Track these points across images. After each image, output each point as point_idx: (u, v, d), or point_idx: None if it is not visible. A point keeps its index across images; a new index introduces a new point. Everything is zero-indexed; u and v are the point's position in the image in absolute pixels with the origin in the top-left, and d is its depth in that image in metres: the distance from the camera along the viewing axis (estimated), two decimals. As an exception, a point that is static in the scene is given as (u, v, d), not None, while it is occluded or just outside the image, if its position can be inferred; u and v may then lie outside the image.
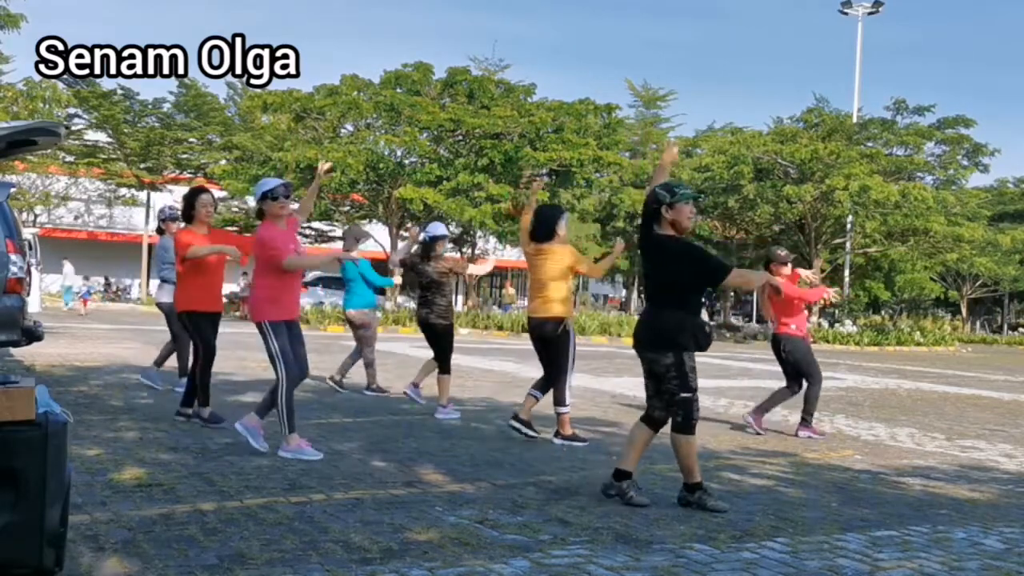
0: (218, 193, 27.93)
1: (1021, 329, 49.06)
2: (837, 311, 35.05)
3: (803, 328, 8.12)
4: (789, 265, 8.31)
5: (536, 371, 7.51)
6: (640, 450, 5.06)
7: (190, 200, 7.08)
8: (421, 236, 8.53)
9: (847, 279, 37.83)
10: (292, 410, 5.89)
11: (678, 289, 4.97)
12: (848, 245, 36.11)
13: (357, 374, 9.83)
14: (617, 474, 5.02)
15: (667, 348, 4.90)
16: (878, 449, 7.48)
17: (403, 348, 17.22)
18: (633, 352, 5.28)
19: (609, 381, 12.67)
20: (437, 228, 8.43)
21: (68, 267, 28.08)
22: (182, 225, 7.30)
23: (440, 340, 8.17)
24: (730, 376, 14.42)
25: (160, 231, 9.13)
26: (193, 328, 7.06)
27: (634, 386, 12.11)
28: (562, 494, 5.15)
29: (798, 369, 8.07)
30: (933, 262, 40.18)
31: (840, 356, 23.47)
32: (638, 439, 5.07)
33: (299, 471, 5.40)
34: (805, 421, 8.05)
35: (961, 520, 5.00)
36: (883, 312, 46.27)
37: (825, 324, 32.40)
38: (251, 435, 5.93)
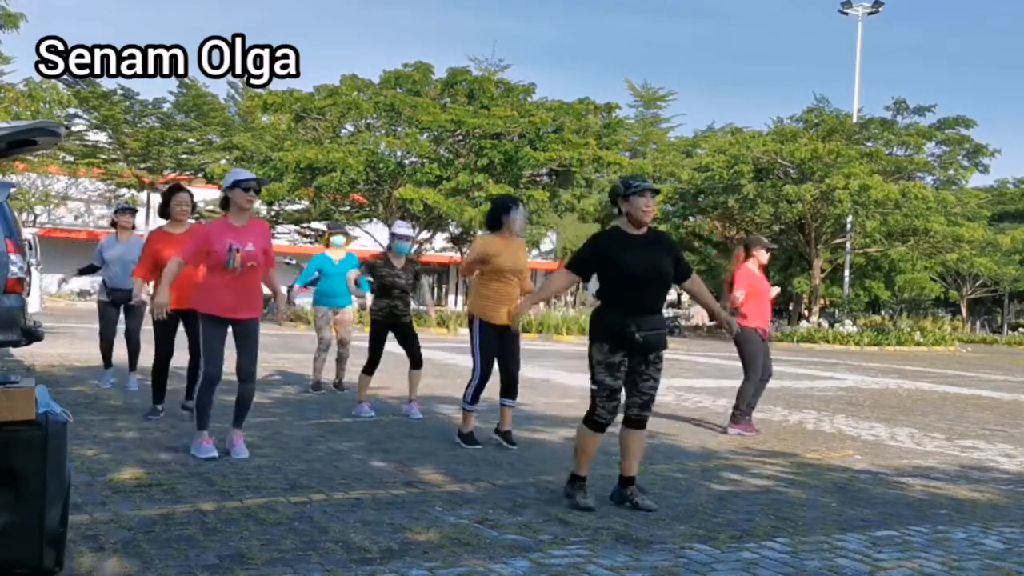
0: (218, 193, 28.00)
1: (1021, 329, 49.01)
2: (837, 311, 35.06)
3: (756, 321, 8.02)
4: (765, 252, 8.27)
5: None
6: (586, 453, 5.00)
7: (166, 198, 7.17)
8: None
9: (847, 279, 37.83)
10: (204, 407, 5.75)
11: (600, 282, 4.96)
12: (848, 245, 36.11)
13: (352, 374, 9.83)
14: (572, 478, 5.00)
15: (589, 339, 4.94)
16: (878, 449, 7.48)
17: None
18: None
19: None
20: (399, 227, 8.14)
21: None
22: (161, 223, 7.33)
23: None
24: (729, 376, 14.41)
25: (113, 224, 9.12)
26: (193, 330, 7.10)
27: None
28: (562, 494, 5.15)
29: (741, 359, 8.05)
30: (933, 262, 40.20)
31: (840, 356, 23.48)
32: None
33: (299, 471, 5.41)
34: (734, 416, 7.98)
35: (961, 520, 5.00)
36: (883, 312, 46.26)
37: (825, 324, 32.40)
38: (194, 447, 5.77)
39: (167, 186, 8.62)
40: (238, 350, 5.85)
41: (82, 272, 9.17)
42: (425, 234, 32.29)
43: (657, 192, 4.96)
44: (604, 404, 4.86)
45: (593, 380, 4.89)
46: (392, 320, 7.89)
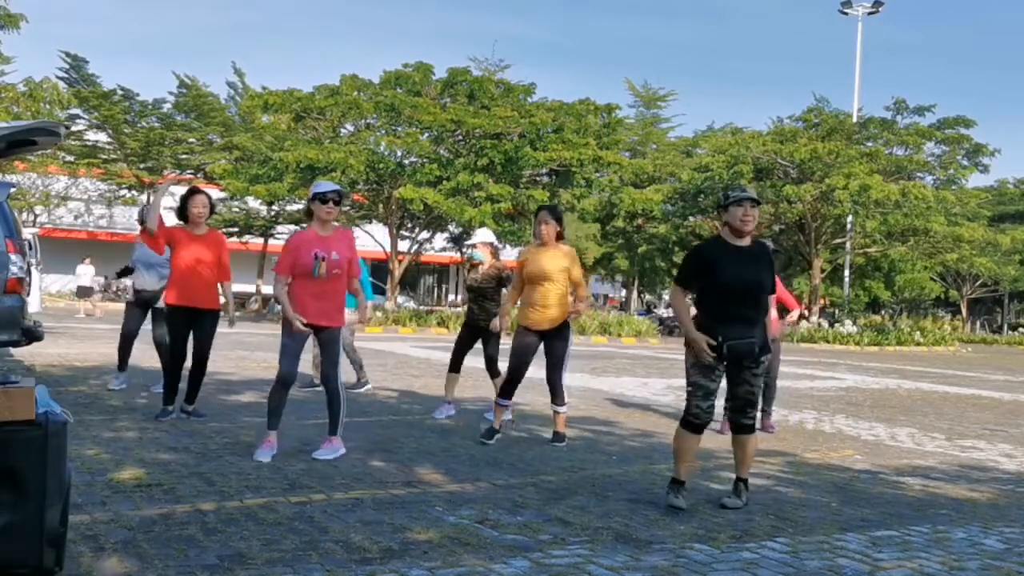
0: (218, 193, 27.97)
1: (1021, 329, 49.03)
2: (837, 311, 35.05)
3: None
4: None
5: (535, 372, 7.50)
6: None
7: (184, 200, 7.25)
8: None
9: (847, 279, 37.84)
10: (275, 408, 5.90)
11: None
12: (848, 245, 36.12)
13: (359, 373, 9.83)
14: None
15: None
16: (878, 449, 7.48)
17: (403, 348, 17.21)
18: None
19: (608, 381, 12.68)
20: (480, 235, 8.33)
21: (85, 267, 27.52)
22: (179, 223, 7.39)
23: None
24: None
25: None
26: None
27: (634, 386, 12.11)
28: (562, 494, 5.15)
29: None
30: (933, 262, 40.23)
31: (840, 356, 23.47)
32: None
33: (299, 471, 5.41)
34: (768, 415, 8.28)
35: (961, 520, 5.00)
36: (883, 312, 46.29)
37: (825, 324, 32.40)
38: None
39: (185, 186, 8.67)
40: (322, 355, 6.12)
41: (120, 274, 9.24)
42: (425, 234, 32.30)
43: (757, 202, 4.99)
44: (699, 403, 4.96)
45: (688, 381, 5.00)
46: (472, 324, 8.08)
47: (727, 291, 4.88)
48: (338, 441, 5.97)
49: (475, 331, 8.00)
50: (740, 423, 5.08)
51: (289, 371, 5.93)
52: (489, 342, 7.98)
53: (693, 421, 4.97)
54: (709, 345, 4.86)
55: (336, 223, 6.09)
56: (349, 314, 9.84)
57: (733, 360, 4.92)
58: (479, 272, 7.97)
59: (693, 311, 5.05)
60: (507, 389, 7.01)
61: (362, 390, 9.61)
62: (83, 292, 26.80)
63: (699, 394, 4.94)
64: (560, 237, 6.97)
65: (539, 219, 6.98)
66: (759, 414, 8.08)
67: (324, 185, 6.01)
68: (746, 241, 5.00)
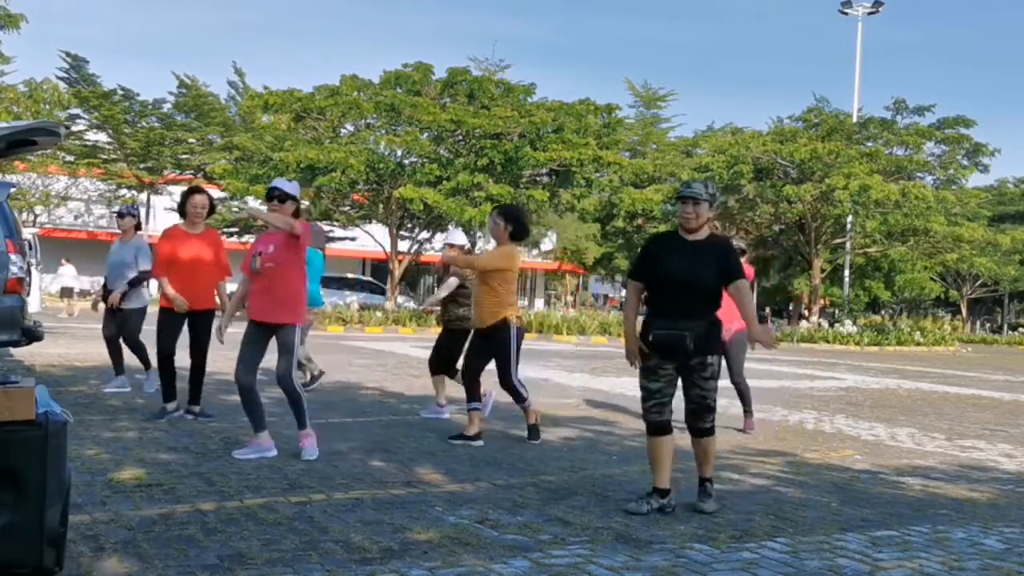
0: (218, 193, 27.95)
1: (1021, 329, 49.03)
2: (837, 311, 35.05)
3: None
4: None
5: (536, 372, 7.49)
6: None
7: (184, 199, 7.28)
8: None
9: (847, 279, 37.83)
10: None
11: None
12: (848, 245, 36.11)
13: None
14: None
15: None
16: (878, 449, 7.48)
17: (403, 348, 17.21)
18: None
19: (608, 381, 12.67)
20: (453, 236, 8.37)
21: (66, 268, 27.91)
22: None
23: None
24: (726, 376, 14.42)
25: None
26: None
27: (634, 386, 12.12)
28: (562, 494, 5.15)
29: (740, 363, 8.14)
30: (933, 262, 40.21)
31: (840, 356, 23.47)
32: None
33: (299, 471, 5.41)
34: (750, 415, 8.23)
35: (961, 520, 5.00)
36: (883, 312, 46.27)
37: (825, 324, 32.39)
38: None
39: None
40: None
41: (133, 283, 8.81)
42: (425, 234, 32.28)
43: (695, 200, 4.88)
44: (646, 404, 4.97)
45: (639, 384, 5.03)
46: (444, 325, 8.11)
47: (665, 284, 4.86)
48: (311, 437, 5.89)
49: (448, 332, 7.99)
50: (694, 427, 4.98)
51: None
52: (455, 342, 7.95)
53: (648, 423, 4.96)
54: (642, 337, 4.87)
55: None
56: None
57: (663, 353, 4.85)
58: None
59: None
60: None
61: (314, 386, 9.45)
62: (65, 292, 27.03)
63: (643, 394, 4.95)
64: (515, 237, 6.83)
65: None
66: (742, 415, 8.11)
67: (276, 182, 6.02)
68: (700, 235, 4.93)
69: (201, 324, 7.19)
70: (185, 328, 7.26)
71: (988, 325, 55.36)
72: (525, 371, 7.13)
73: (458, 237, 8.40)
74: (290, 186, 6.00)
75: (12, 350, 10.80)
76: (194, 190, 7.41)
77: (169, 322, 7.17)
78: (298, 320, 5.90)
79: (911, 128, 34.44)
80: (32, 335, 8.84)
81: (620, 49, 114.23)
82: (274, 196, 5.88)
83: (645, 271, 5.01)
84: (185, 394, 7.29)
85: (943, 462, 6.98)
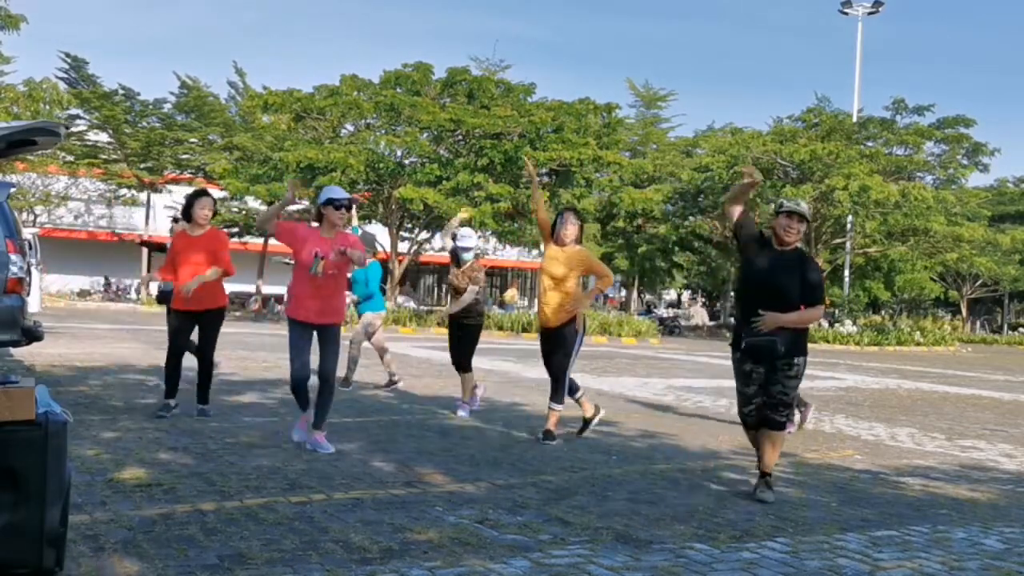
0: (218, 193, 27.94)
1: (1021, 329, 49.02)
2: (837, 311, 35.03)
3: None
4: None
5: (536, 372, 7.51)
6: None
7: (190, 201, 7.40)
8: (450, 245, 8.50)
9: (847, 279, 37.81)
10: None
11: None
12: (848, 245, 36.08)
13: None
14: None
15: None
16: (878, 449, 7.48)
17: (403, 348, 17.20)
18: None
19: (608, 381, 12.67)
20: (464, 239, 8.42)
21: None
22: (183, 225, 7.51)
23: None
24: (728, 376, 14.41)
25: None
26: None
27: (634, 386, 12.11)
28: (562, 494, 5.15)
29: None
30: (933, 262, 40.17)
31: (840, 356, 23.47)
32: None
33: (299, 471, 5.41)
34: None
35: (961, 520, 5.00)
36: (883, 312, 46.25)
37: (825, 324, 32.38)
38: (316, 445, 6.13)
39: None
40: (321, 351, 6.33)
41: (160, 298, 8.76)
42: (425, 234, 32.28)
43: (800, 217, 5.29)
44: (741, 408, 5.47)
45: (736, 388, 5.52)
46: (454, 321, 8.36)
47: (753, 291, 5.28)
48: (324, 435, 6.21)
49: (464, 328, 8.31)
50: (769, 418, 5.34)
51: (299, 374, 6.25)
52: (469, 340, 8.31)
53: (745, 424, 5.50)
54: (734, 345, 5.35)
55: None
56: (370, 315, 10.06)
57: (755, 358, 5.25)
58: (459, 272, 8.27)
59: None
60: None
61: (347, 389, 9.57)
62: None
63: (740, 399, 5.44)
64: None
65: (562, 219, 7.06)
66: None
67: (337, 191, 6.42)
68: (788, 247, 5.32)
69: (208, 324, 7.29)
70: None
71: (988, 325, 55.33)
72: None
73: (469, 240, 8.42)
74: (344, 192, 6.45)
75: (12, 350, 10.80)
76: (202, 192, 7.51)
77: (180, 323, 7.26)
78: (342, 318, 6.35)
79: (911, 128, 34.40)
80: (32, 335, 8.84)
81: (620, 49, 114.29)
82: (342, 206, 6.25)
83: (741, 251, 5.48)
84: (185, 394, 7.30)
85: (943, 462, 6.98)
